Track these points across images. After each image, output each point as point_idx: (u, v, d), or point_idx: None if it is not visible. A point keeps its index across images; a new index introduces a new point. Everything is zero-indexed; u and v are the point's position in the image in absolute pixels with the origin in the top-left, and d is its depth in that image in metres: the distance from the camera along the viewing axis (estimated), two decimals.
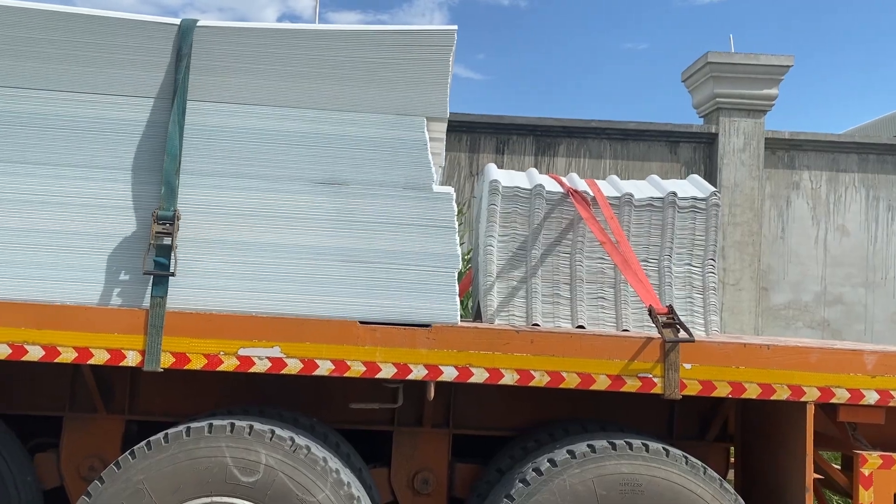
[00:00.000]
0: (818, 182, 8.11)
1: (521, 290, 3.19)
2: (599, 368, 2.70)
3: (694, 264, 3.24)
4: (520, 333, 2.72)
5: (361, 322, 2.70)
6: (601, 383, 2.70)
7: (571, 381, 2.69)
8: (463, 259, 3.35)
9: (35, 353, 2.62)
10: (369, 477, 3.04)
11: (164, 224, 2.66)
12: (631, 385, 2.70)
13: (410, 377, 2.68)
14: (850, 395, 2.73)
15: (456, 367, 2.68)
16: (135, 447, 2.62)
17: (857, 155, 8.13)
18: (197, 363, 2.65)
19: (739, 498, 2.70)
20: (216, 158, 2.77)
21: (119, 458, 2.62)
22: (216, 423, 2.63)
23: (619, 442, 2.68)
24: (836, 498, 3.84)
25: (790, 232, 8.06)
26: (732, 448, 3.45)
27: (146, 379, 3.07)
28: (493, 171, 3.36)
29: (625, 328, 3.17)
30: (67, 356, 2.63)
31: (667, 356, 2.70)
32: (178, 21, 2.79)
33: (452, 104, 2.89)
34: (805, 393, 2.73)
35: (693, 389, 2.71)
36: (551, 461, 2.68)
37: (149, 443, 2.61)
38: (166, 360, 2.64)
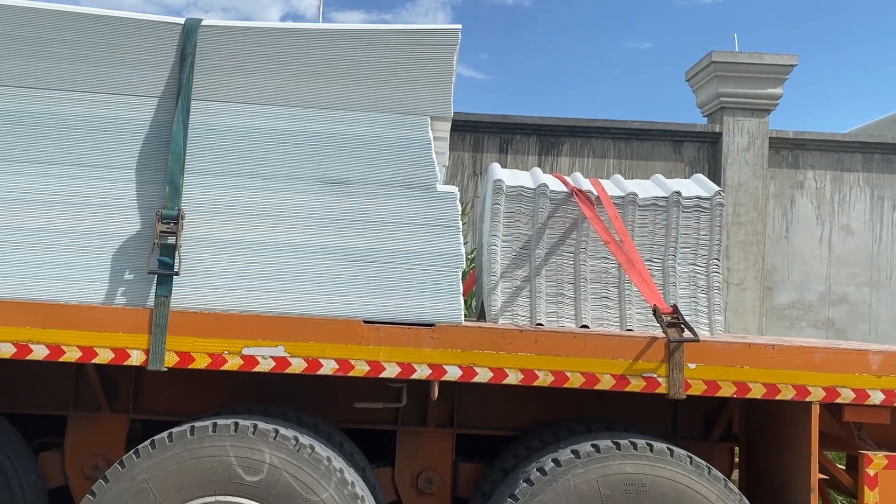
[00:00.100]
0: (822, 181, 8.09)
1: (525, 289, 3.18)
2: (604, 368, 2.69)
3: (698, 264, 3.23)
4: (524, 333, 2.71)
5: (365, 321, 2.70)
6: (605, 383, 2.69)
7: (576, 381, 2.69)
8: (466, 258, 3.34)
9: (39, 353, 2.62)
10: (373, 476, 3.04)
11: (169, 223, 2.66)
12: (635, 385, 2.70)
13: (414, 377, 2.68)
14: (855, 395, 2.73)
15: (460, 367, 2.68)
16: (139, 446, 2.63)
17: (861, 154, 8.11)
18: (201, 362, 2.65)
19: (744, 498, 2.69)
20: (220, 158, 2.77)
21: (123, 458, 2.62)
22: (220, 422, 2.63)
23: (623, 442, 2.68)
24: (840, 498, 3.82)
25: (794, 231, 8.04)
26: (737, 448, 3.44)
27: (150, 378, 3.07)
28: (497, 171, 3.35)
29: (629, 328, 3.16)
30: (72, 355, 2.63)
31: (671, 356, 2.69)
32: (182, 20, 2.79)
33: (456, 104, 2.88)
34: (810, 393, 2.72)
35: (698, 389, 2.71)
36: (555, 461, 2.68)
37: (153, 442, 2.62)
38: (170, 360, 2.64)
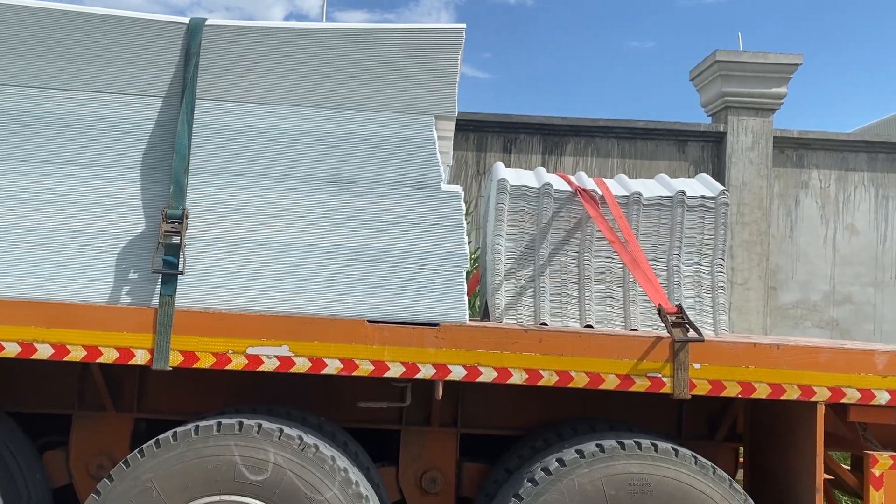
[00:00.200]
0: (827, 181, 8.07)
1: (530, 289, 3.18)
2: (608, 368, 2.69)
3: (703, 263, 3.22)
4: (528, 333, 2.71)
5: (370, 321, 2.70)
6: (610, 383, 2.69)
7: (580, 381, 2.69)
8: (470, 258, 3.34)
9: (44, 352, 2.63)
10: (377, 476, 3.04)
11: (173, 223, 2.67)
12: (640, 385, 2.69)
13: (418, 376, 2.68)
14: (860, 396, 2.72)
15: (464, 367, 2.67)
16: (143, 445, 2.63)
17: (866, 154, 8.09)
18: (206, 362, 2.65)
19: (749, 498, 2.68)
20: (224, 157, 2.77)
21: (128, 457, 2.62)
22: (225, 421, 2.63)
23: (628, 441, 2.67)
24: (845, 498, 3.82)
25: (799, 231, 8.02)
26: (741, 448, 3.43)
27: (155, 377, 3.08)
28: (501, 170, 3.35)
29: (633, 328, 3.15)
30: (77, 355, 2.63)
31: (676, 356, 2.69)
32: (186, 20, 2.80)
33: (459, 103, 2.88)
34: (815, 393, 2.71)
35: (702, 389, 2.70)
36: (560, 461, 2.68)
37: (157, 441, 2.62)
38: (175, 359, 2.64)
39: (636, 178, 3.71)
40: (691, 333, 2.72)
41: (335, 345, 2.66)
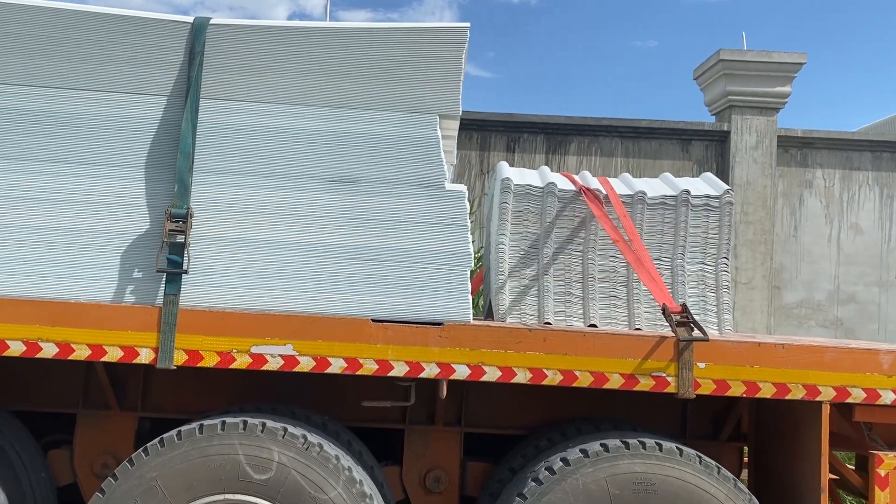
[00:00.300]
0: (831, 180, 8.05)
1: (533, 288, 3.18)
2: (613, 367, 2.69)
3: (707, 263, 3.22)
4: (532, 332, 2.71)
5: (374, 320, 2.69)
6: (614, 382, 2.68)
7: (584, 380, 2.68)
8: (473, 257, 3.33)
9: (49, 350, 2.63)
10: (381, 475, 3.04)
11: (178, 222, 2.67)
12: (644, 384, 2.69)
13: (422, 375, 2.68)
14: (865, 395, 2.71)
15: (468, 366, 2.67)
16: (148, 444, 2.63)
17: (870, 153, 8.07)
18: (210, 361, 2.65)
19: (753, 498, 2.68)
20: (229, 156, 2.77)
21: (132, 456, 2.63)
22: (229, 420, 2.63)
23: (632, 441, 2.67)
24: (849, 499, 3.81)
25: (803, 230, 8.01)
26: (746, 448, 3.43)
27: (159, 376, 3.08)
28: (505, 169, 3.35)
29: (637, 327, 3.15)
30: (81, 353, 2.64)
31: (680, 355, 2.69)
32: (191, 19, 2.80)
33: (462, 102, 2.87)
34: (820, 392, 2.71)
35: (707, 389, 2.70)
36: (564, 460, 2.68)
37: (162, 440, 2.62)
38: (179, 358, 2.64)
39: (640, 177, 3.70)
40: (696, 333, 2.71)
41: (339, 344, 2.66)
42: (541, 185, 3.20)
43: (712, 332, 3.08)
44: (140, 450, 2.63)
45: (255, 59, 2.79)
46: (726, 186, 3.29)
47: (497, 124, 7.91)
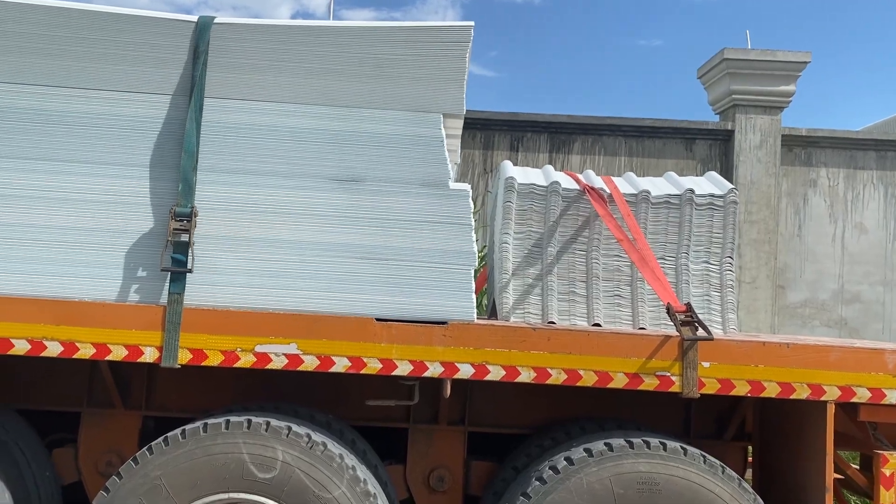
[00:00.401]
0: (835, 179, 8.03)
1: (537, 287, 3.17)
2: (617, 366, 2.68)
3: (711, 262, 3.21)
4: (536, 331, 2.71)
5: (378, 319, 2.69)
6: (619, 381, 2.68)
7: (589, 380, 2.68)
8: (477, 256, 3.34)
9: (54, 349, 2.63)
10: (385, 474, 3.04)
11: (182, 221, 2.67)
12: (649, 383, 2.68)
13: (426, 374, 2.68)
14: (870, 395, 2.71)
15: (472, 365, 2.67)
16: (152, 443, 2.63)
17: (875, 152, 8.05)
18: (214, 360, 2.65)
19: (758, 497, 2.67)
20: (233, 155, 2.77)
21: (137, 454, 2.63)
22: (233, 419, 2.64)
23: (636, 440, 2.67)
24: (854, 498, 3.80)
25: (807, 230, 7.99)
26: (750, 447, 3.42)
27: (163, 375, 3.08)
28: (509, 168, 3.34)
29: (642, 326, 3.14)
30: (86, 352, 2.64)
31: (685, 354, 2.68)
32: (195, 18, 2.80)
33: (466, 101, 2.87)
34: (825, 392, 2.70)
35: (711, 388, 2.69)
36: (568, 459, 2.67)
37: (166, 439, 2.63)
38: (183, 357, 2.65)
39: (644, 176, 3.70)
40: (700, 332, 2.71)
41: (343, 343, 2.66)
42: (544, 185, 3.19)
43: (717, 332, 3.07)
44: (144, 448, 2.64)
45: (258, 59, 2.79)
46: (731, 185, 3.28)
47: (500, 123, 7.91)
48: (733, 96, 7.90)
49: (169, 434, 2.64)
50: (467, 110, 2.89)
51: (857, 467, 3.07)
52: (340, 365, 2.66)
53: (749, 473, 3.42)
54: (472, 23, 2.80)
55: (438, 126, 2.80)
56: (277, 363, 2.66)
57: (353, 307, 2.72)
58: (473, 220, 2.82)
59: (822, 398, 2.70)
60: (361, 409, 3.10)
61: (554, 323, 3.10)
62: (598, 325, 3.12)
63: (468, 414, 3.18)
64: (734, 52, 7.77)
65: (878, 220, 8.01)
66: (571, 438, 2.93)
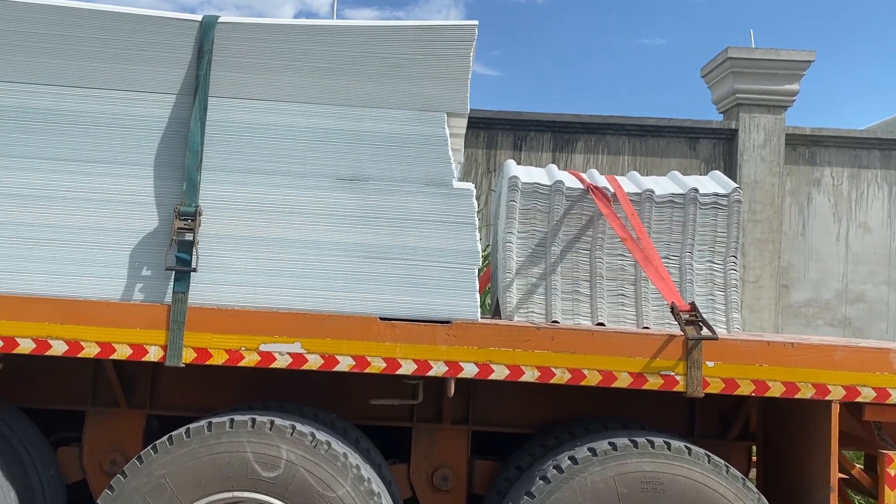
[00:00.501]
0: (840, 178, 8.02)
1: (541, 286, 3.17)
2: (621, 366, 2.68)
3: (715, 261, 3.21)
4: (540, 330, 2.70)
5: (382, 318, 2.69)
6: (623, 381, 2.68)
7: (593, 379, 2.68)
8: (481, 255, 3.33)
9: (58, 348, 2.64)
10: (389, 473, 3.04)
11: (186, 220, 2.67)
12: (653, 383, 2.68)
13: (430, 374, 2.68)
14: (875, 394, 2.70)
15: (476, 364, 2.67)
16: (156, 442, 2.64)
17: (879, 151, 8.03)
18: (218, 358, 2.66)
19: (762, 497, 2.67)
20: (237, 155, 2.77)
21: (141, 453, 2.64)
22: (237, 418, 2.64)
23: (640, 440, 2.66)
24: (858, 498, 3.79)
25: (811, 229, 7.97)
26: (755, 447, 3.42)
27: (168, 374, 3.09)
28: (513, 168, 3.34)
29: (646, 325, 3.14)
30: (90, 351, 2.64)
31: (689, 354, 2.68)
32: (199, 18, 2.80)
33: (469, 101, 2.87)
34: (830, 392, 2.70)
35: (716, 387, 2.69)
36: (572, 459, 2.67)
37: (170, 437, 2.63)
38: (188, 356, 2.65)
39: (648, 175, 3.69)
40: (704, 331, 2.70)
41: (347, 342, 2.66)
42: (548, 184, 3.19)
43: (721, 331, 3.07)
44: (149, 447, 2.64)
45: (263, 58, 2.79)
46: (735, 184, 3.28)
47: (504, 122, 7.90)
48: (737, 95, 7.89)
49: (173, 433, 2.64)
50: (471, 109, 2.89)
51: (862, 467, 3.06)
52: (344, 364, 2.66)
53: (753, 473, 3.42)
54: (475, 22, 2.80)
55: (442, 125, 2.80)
56: (282, 362, 2.66)
57: (358, 306, 2.72)
58: (477, 219, 2.82)
59: (827, 398, 2.70)
60: (365, 408, 3.10)
61: (558, 322, 3.10)
62: (601, 324, 3.12)
63: (472, 413, 3.18)
64: (738, 51, 7.75)
65: (883, 219, 7.99)
66: (575, 438, 2.93)
